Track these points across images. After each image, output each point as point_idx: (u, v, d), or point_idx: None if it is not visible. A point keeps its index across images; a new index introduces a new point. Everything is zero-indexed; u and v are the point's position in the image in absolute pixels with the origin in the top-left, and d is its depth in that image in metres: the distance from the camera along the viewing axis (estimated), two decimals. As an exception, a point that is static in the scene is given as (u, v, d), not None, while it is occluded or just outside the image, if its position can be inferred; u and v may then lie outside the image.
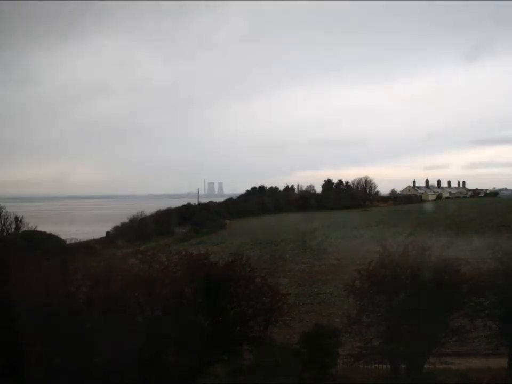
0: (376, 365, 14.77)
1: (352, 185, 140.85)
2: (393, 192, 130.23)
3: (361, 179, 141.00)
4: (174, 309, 13.71)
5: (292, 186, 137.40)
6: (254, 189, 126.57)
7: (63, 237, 46.21)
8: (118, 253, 15.41)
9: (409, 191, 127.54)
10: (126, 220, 66.43)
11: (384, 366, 14.63)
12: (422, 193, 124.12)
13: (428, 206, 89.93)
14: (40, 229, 46.34)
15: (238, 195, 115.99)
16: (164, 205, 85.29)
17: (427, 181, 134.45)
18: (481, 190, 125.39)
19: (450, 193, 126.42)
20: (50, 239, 44.43)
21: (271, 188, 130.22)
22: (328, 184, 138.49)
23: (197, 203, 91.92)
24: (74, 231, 56.66)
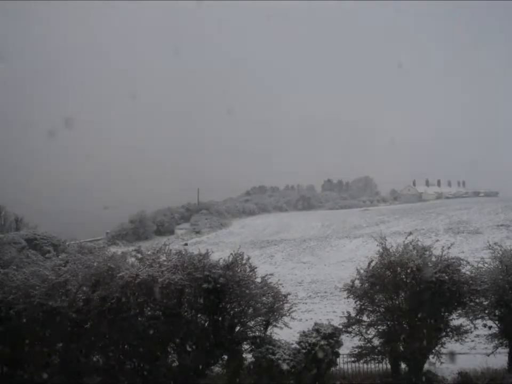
0: (376, 365, 14.77)
1: (352, 185, 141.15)
2: (393, 191, 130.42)
3: (361, 179, 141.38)
4: (174, 309, 13.72)
5: (292, 186, 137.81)
6: (254, 188, 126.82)
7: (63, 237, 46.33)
8: (117, 253, 15.38)
9: (409, 190, 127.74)
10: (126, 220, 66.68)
11: (384, 366, 14.63)
12: (422, 192, 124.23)
13: (428, 206, 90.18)
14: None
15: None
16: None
17: (427, 181, 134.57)
18: (481, 189, 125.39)
19: (450, 192, 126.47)
20: (50, 239, 44.58)
21: (272, 187, 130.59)
22: (328, 183, 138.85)
23: (197, 203, 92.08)
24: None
